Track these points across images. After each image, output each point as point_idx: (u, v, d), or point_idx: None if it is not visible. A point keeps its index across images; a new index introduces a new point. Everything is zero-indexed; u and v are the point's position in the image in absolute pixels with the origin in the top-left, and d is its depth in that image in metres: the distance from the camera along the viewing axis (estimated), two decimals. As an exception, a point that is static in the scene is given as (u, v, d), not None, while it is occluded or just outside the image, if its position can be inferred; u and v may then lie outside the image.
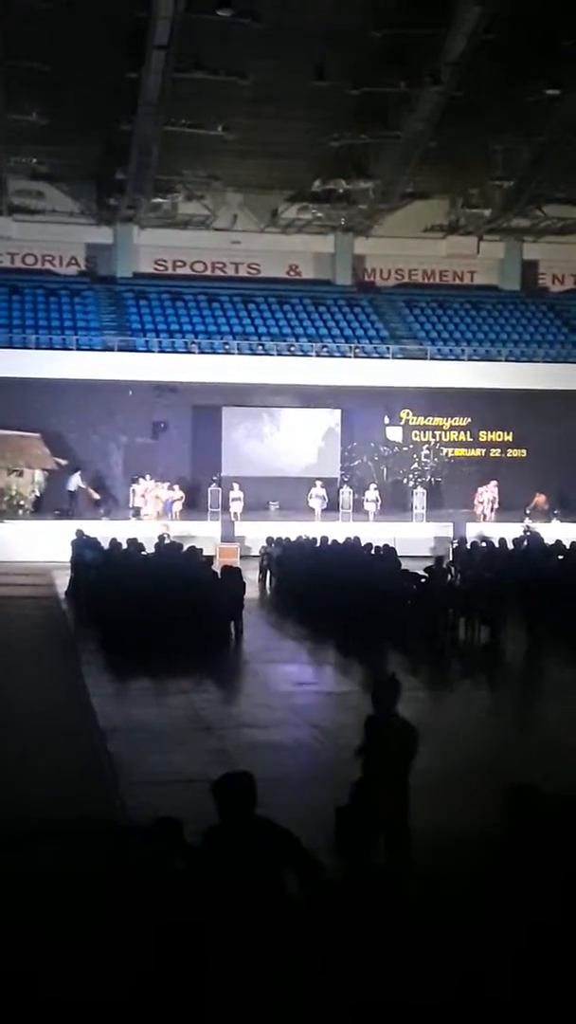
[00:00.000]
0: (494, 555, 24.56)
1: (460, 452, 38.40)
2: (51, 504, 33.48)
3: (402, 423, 38.30)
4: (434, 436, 38.45)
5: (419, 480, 36.52)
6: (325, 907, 5.01)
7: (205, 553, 23.43)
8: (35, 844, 6.48)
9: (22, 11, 28.58)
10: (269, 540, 27.08)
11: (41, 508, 33.70)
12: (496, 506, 34.96)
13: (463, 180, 39.24)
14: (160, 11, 28.91)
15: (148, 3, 28.87)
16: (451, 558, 25.15)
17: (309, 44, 30.91)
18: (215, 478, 34.98)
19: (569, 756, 11.78)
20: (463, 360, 38.11)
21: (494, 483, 35.37)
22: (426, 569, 20.89)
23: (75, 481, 33.47)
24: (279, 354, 37.19)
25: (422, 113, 33.63)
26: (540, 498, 35.38)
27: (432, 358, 37.99)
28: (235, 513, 33.38)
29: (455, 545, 27.85)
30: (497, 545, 25.58)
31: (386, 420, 38.09)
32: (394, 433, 38.05)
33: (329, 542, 25.76)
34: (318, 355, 37.48)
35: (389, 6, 30.15)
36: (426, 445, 38.09)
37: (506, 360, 38.07)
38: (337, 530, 28.96)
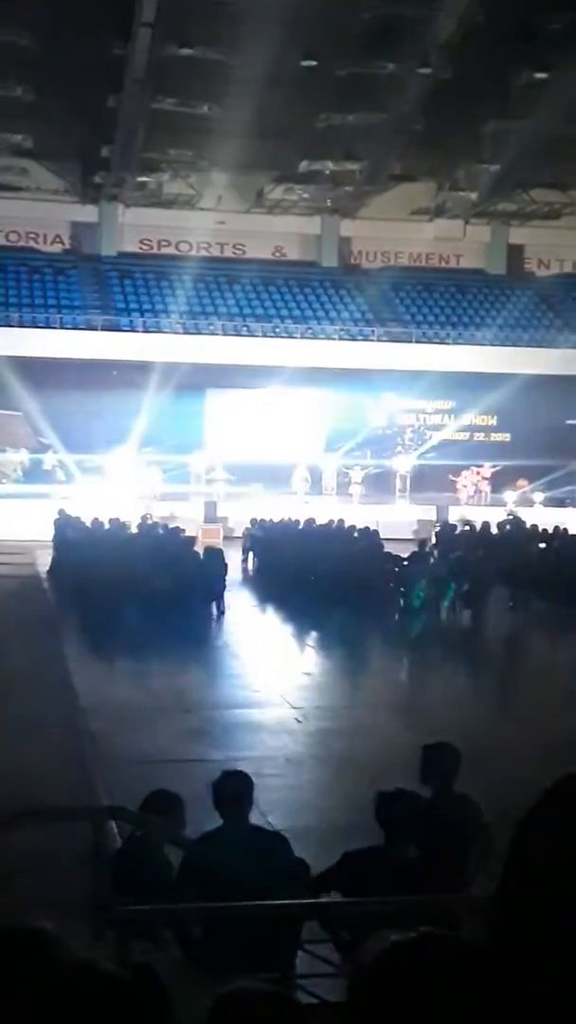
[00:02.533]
0: (477, 539, 24.64)
1: (444, 435, 38.42)
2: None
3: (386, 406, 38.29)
4: (418, 419, 38.45)
5: (403, 463, 36.56)
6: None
7: (188, 534, 23.42)
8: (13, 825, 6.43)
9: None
10: (252, 522, 27.06)
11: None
12: (489, 489, 35.01)
13: (450, 163, 39.15)
14: (147, -12, 28.70)
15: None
16: (434, 541, 25.20)
17: (297, 24, 30.68)
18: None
19: (549, 737, 11.84)
20: (448, 343, 38.11)
21: (489, 465, 35.42)
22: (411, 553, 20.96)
23: (49, 460, 33.35)
24: (264, 335, 37.10)
25: (410, 95, 33.48)
26: (522, 483, 35.45)
27: (417, 341, 37.99)
28: (218, 494, 33.32)
29: (438, 528, 27.90)
30: (480, 529, 25.68)
31: (370, 402, 38.07)
32: (378, 415, 38.04)
33: (313, 524, 25.75)
34: (303, 337, 37.41)
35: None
36: (410, 428, 38.09)
37: (491, 344, 38.08)
38: (321, 512, 28.92)
